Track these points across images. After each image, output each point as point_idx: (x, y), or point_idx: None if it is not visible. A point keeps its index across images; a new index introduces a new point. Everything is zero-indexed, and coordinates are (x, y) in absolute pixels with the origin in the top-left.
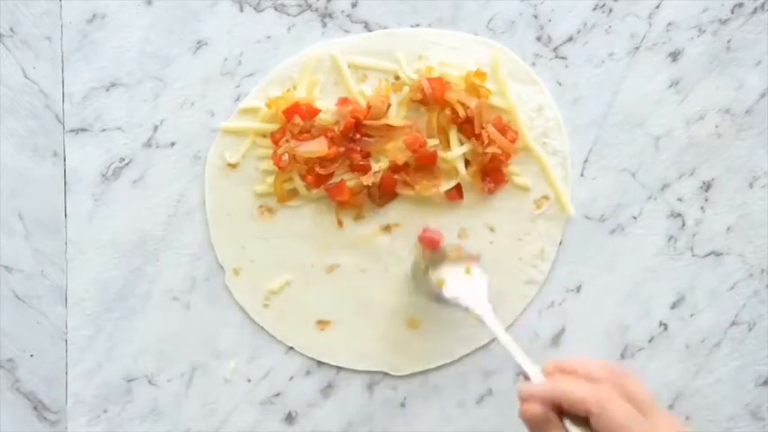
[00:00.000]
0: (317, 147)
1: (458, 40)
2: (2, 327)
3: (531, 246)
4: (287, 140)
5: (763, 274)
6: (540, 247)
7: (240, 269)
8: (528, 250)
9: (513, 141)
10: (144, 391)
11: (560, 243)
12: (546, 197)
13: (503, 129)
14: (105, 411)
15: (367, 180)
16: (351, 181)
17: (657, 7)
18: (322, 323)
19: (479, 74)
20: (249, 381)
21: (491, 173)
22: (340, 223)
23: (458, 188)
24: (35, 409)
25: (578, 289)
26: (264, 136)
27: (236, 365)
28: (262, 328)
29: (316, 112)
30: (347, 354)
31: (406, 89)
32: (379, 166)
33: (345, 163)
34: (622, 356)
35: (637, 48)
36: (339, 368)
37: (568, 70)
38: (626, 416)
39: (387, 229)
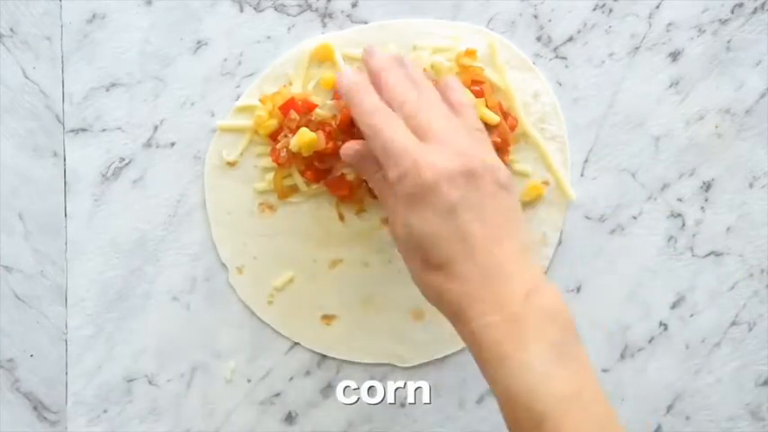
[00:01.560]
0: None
1: (452, 29)
2: (2, 327)
3: (532, 232)
4: (285, 136)
5: (763, 274)
6: (542, 233)
7: (243, 267)
8: (530, 236)
9: (512, 128)
10: (144, 391)
11: (562, 230)
12: (546, 182)
13: (503, 114)
14: (105, 411)
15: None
16: (350, 175)
17: (657, 7)
18: (327, 318)
19: (469, 52)
20: (249, 381)
21: None
22: (341, 217)
23: None
24: (35, 409)
25: (578, 289)
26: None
27: (236, 365)
28: (262, 327)
29: (312, 106)
30: (353, 347)
31: None
32: None
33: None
34: (622, 356)
35: (637, 48)
36: (339, 368)
37: (568, 70)
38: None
39: (387, 221)
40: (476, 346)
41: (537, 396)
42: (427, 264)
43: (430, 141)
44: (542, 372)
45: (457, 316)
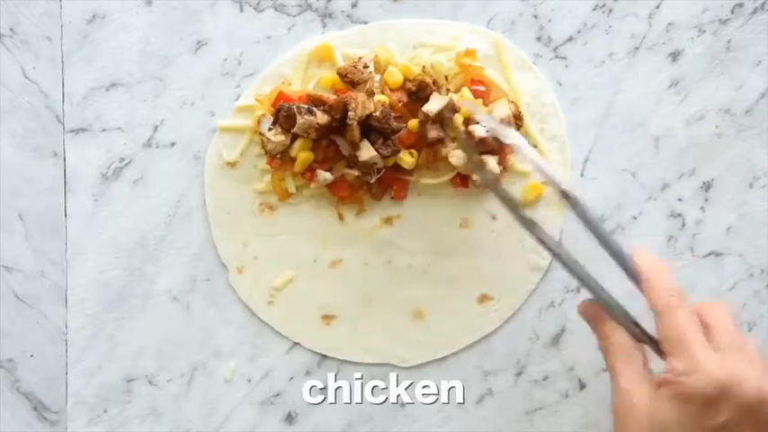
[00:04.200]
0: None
1: (453, 29)
2: (2, 327)
3: None
4: (272, 126)
5: (763, 274)
6: None
7: (243, 267)
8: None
9: (518, 128)
10: (144, 391)
11: (561, 229)
12: (546, 182)
13: (513, 115)
14: (105, 411)
15: (370, 177)
16: (350, 176)
17: (657, 7)
18: (327, 318)
19: (469, 52)
20: (249, 381)
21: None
22: (341, 217)
23: (463, 177)
24: (35, 409)
25: (578, 289)
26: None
27: (236, 365)
28: (262, 327)
29: (305, 98)
30: (354, 348)
31: (391, 69)
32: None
33: (344, 158)
34: None
35: (637, 48)
36: (339, 368)
37: (568, 70)
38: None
39: (388, 221)
40: None
41: None
42: None
43: (720, 350)
44: None
45: None
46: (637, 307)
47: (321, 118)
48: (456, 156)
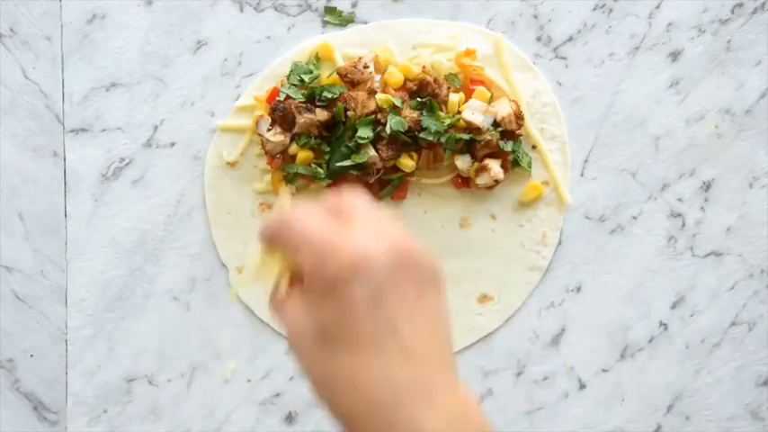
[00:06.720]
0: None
1: (452, 29)
2: (2, 327)
3: (532, 232)
4: (270, 127)
5: (763, 274)
6: (541, 233)
7: (243, 267)
8: (530, 236)
9: (519, 127)
10: (144, 391)
11: (561, 229)
12: (546, 182)
13: (516, 116)
14: (105, 411)
15: (370, 177)
16: (350, 176)
17: (657, 7)
18: None
19: (469, 52)
20: (249, 381)
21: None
22: None
23: (464, 177)
24: (35, 409)
25: (578, 289)
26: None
27: (236, 365)
28: (262, 327)
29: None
30: None
31: (391, 69)
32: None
33: None
34: (622, 356)
35: (637, 48)
36: None
37: (568, 70)
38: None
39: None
40: None
41: None
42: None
43: (352, 224)
44: None
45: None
46: (632, 312)
47: (321, 115)
48: (462, 159)
